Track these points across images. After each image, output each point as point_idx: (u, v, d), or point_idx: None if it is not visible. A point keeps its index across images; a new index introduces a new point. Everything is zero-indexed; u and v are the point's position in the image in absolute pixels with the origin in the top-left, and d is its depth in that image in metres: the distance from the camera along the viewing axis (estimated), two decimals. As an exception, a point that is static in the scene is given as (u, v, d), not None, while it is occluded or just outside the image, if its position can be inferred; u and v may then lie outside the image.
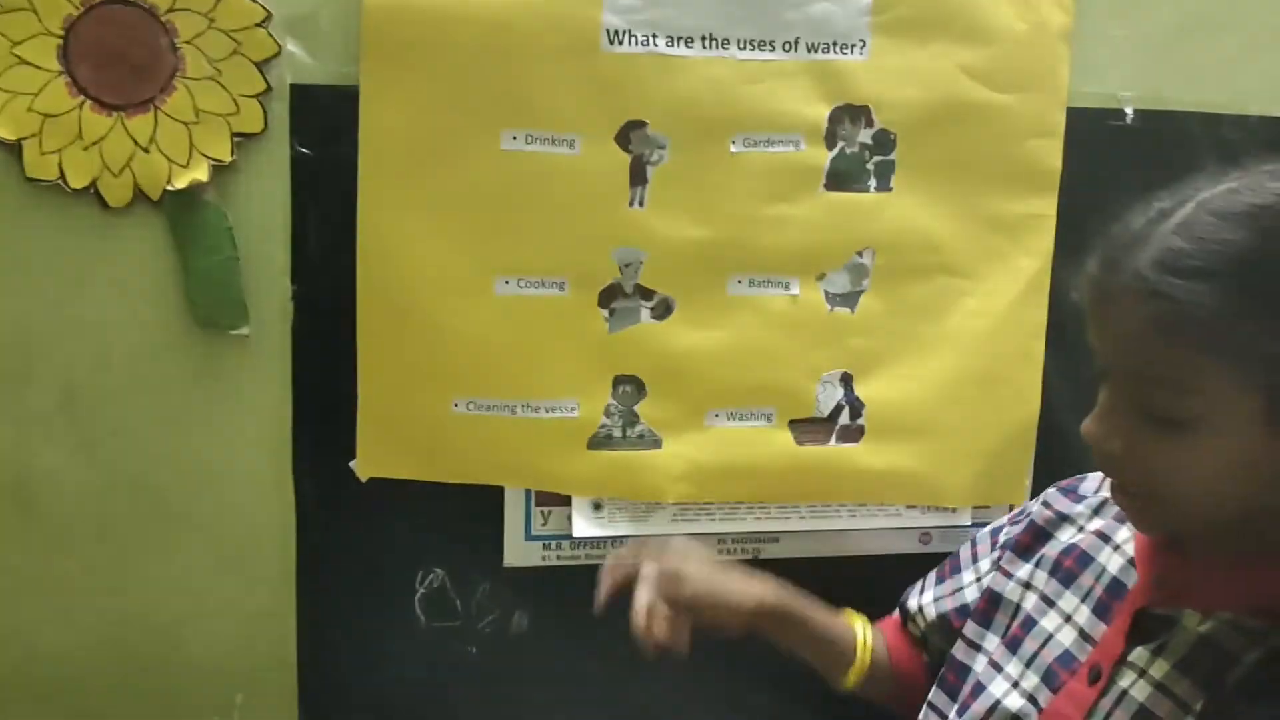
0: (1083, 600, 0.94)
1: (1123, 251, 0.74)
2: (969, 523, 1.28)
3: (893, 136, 1.19)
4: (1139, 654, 0.86)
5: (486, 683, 1.23)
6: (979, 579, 1.06)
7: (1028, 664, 0.94)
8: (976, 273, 1.23)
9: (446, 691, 1.22)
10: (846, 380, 1.22)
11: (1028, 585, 0.98)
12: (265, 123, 1.11)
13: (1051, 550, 0.98)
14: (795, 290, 1.20)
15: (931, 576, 1.12)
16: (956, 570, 1.09)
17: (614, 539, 1.22)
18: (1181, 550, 0.86)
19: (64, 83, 1.07)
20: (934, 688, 1.01)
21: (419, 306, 1.13)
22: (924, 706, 1.02)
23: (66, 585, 1.13)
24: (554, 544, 1.22)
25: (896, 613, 1.14)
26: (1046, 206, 1.24)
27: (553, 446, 1.18)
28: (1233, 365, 0.71)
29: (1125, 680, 0.86)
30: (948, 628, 1.05)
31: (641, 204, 1.15)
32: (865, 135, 1.19)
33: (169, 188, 1.09)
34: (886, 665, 1.10)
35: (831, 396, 1.22)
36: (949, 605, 1.06)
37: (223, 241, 1.11)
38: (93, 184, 1.08)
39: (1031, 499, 1.07)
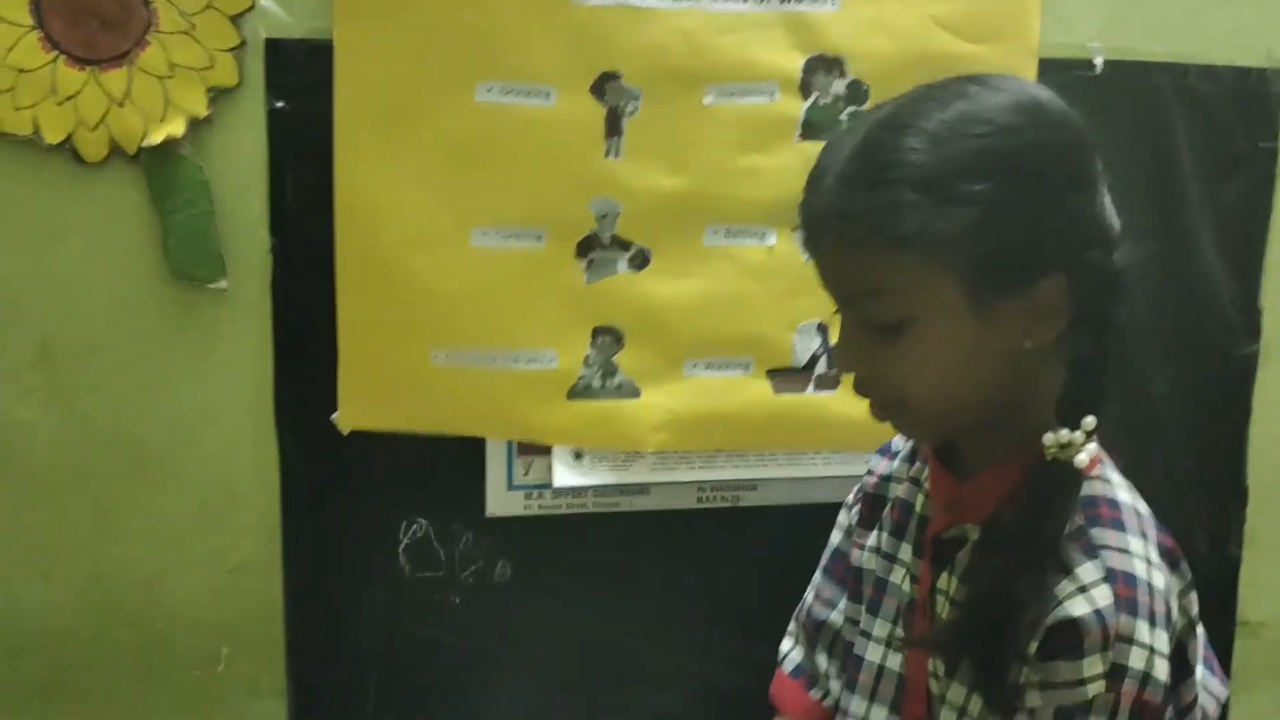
0: (911, 546, 0.98)
1: (813, 184, 0.80)
2: (944, 469, 1.30)
3: (866, 88, 1.20)
4: (942, 579, 0.91)
5: (471, 632, 1.24)
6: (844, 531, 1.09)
7: (894, 620, 0.98)
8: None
9: (432, 641, 1.23)
10: (823, 329, 1.24)
11: (877, 549, 1.01)
12: (240, 77, 1.10)
13: (886, 510, 1.02)
14: (771, 240, 1.21)
15: (817, 577, 1.13)
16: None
17: (595, 488, 1.24)
18: (959, 472, 0.91)
19: (37, 38, 1.06)
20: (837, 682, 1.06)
21: (397, 259, 1.14)
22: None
23: (45, 540, 1.13)
24: (536, 493, 1.23)
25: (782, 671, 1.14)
26: (1018, 156, 1.25)
27: (532, 397, 1.19)
28: (924, 257, 0.75)
29: (940, 606, 0.91)
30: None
31: (617, 155, 1.15)
32: (839, 86, 1.20)
33: (145, 143, 1.09)
34: None
35: (808, 345, 1.24)
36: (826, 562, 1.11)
37: (199, 196, 1.11)
38: (68, 139, 1.08)
39: None
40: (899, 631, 0.97)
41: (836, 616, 1.08)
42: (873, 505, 1.04)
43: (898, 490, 1.01)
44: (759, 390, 1.23)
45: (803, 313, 1.23)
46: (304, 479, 1.17)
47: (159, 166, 1.10)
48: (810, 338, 1.24)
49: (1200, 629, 0.92)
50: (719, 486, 1.27)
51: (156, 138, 1.08)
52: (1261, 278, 1.37)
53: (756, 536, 1.29)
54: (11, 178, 1.08)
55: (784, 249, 1.21)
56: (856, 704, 1.01)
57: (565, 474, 1.22)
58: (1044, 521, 0.82)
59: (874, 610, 1.00)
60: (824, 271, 0.82)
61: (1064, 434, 0.80)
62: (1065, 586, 0.80)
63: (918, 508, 0.98)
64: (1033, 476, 0.82)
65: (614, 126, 1.15)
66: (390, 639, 1.22)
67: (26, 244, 1.09)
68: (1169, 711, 0.89)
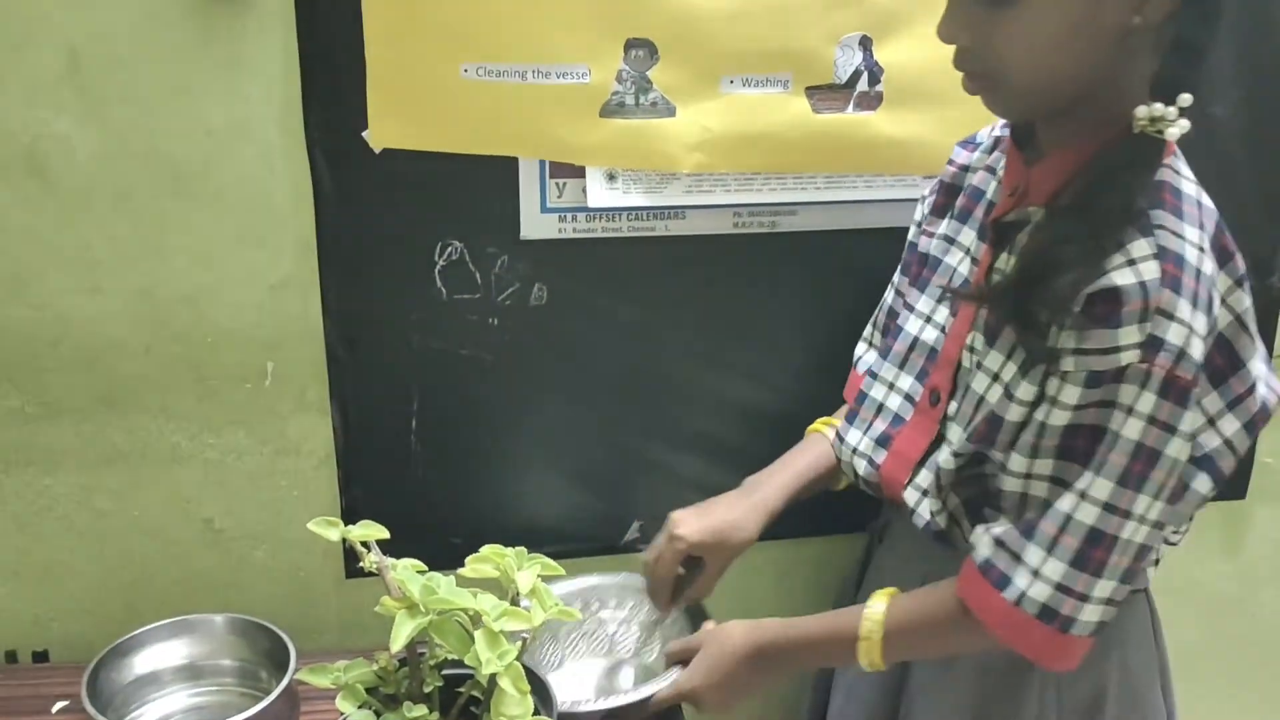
0: (975, 232, 1.02)
1: None
2: (986, 194, 1.27)
3: None
4: (1002, 259, 0.96)
5: (510, 352, 1.26)
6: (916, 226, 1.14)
7: (937, 299, 1.04)
8: None
9: (471, 360, 1.25)
10: (866, 43, 1.19)
11: (943, 236, 1.06)
12: None
13: (960, 199, 1.05)
14: (815, -55, 1.14)
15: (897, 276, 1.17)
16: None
17: (629, 211, 1.23)
18: (1031, 155, 0.94)
19: None
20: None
21: (423, -36, 1.10)
22: None
23: (90, 256, 1.15)
24: (570, 216, 1.22)
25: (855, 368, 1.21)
26: None
27: (564, 114, 1.16)
28: None
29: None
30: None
31: None
32: None
33: None
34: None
35: (850, 61, 1.19)
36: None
37: (217, -104, 1.07)
38: None
39: None
40: (942, 309, 1.02)
41: (898, 302, 1.14)
42: (948, 194, 1.08)
43: (973, 179, 1.04)
44: (798, 109, 1.20)
45: (845, 24, 1.17)
46: (337, 198, 1.17)
47: None
48: (853, 52, 1.19)
49: (1254, 331, 0.92)
50: (756, 211, 1.26)
51: None
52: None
53: (793, 263, 1.29)
54: (23, -124, 1.04)
55: (828, -45, 1.15)
56: (887, 370, 1.08)
57: (600, 194, 1.21)
58: (1110, 192, 0.84)
59: (922, 287, 1.06)
60: None
61: (1158, 107, 0.82)
62: (1115, 259, 0.82)
63: (989, 194, 1.01)
64: (1109, 151, 0.85)
65: None
66: (431, 357, 1.24)
67: (45, -51, 1.06)
68: (1219, 403, 0.90)
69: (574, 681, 1.18)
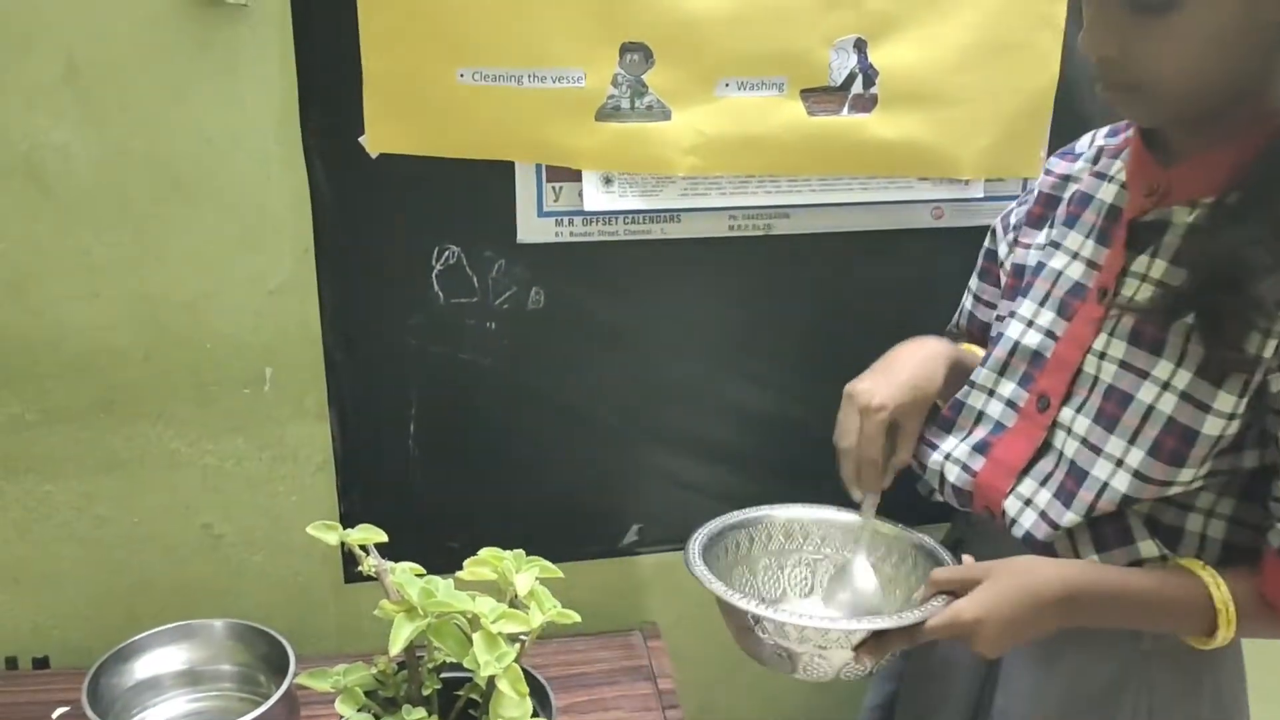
0: (1087, 236, 0.99)
1: None
2: (981, 196, 1.28)
3: None
4: (1139, 261, 0.92)
5: (508, 357, 1.26)
6: (1003, 265, 1.12)
7: (1041, 303, 1.01)
8: (995, -71, 1.18)
9: (469, 364, 1.26)
10: (860, 46, 1.19)
11: (1045, 246, 1.03)
12: None
13: (1062, 208, 1.03)
14: (808, -52, 1.15)
15: (973, 282, 1.20)
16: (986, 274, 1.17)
17: (625, 215, 1.23)
18: (1164, 157, 0.92)
19: None
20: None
21: (419, -30, 1.10)
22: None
23: (89, 262, 1.15)
24: (566, 220, 1.23)
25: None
26: None
27: (560, 118, 1.17)
28: None
29: (1129, 289, 0.92)
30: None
31: None
32: None
33: None
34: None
35: (845, 64, 1.20)
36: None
37: (213, -98, 1.07)
38: None
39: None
40: (1045, 312, 1.00)
41: (967, 301, 1.19)
42: (1046, 204, 1.06)
43: (1078, 186, 1.02)
44: (792, 111, 1.20)
45: (840, 27, 1.18)
46: (335, 203, 1.18)
47: None
48: (848, 55, 1.19)
49: None
50: (751, 213, 1.26)
51: None
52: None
53: (789, 265, 1.29)
54: (20, -115, 1.04)
55: (822, -42, 1.15)
56: (985, 376, 1.05)
57: (596, 198, 1.21)
58: None
59: (1024, 293, 1.03)
60: None
61: None
62: None
63: (1105, 198, 0.98)
64: (1274, 150, 0.83)
65: None
66: (428, 361, 1.25)
67: (42, -43, 1.07)
68: None
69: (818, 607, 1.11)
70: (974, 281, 1.19)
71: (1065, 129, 1.25)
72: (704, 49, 1.16)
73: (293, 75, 1.13)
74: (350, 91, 1.14)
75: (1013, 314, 1.04)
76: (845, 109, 1.21)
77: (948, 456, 1.06)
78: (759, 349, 1.33)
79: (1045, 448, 0.97)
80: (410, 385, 1.26)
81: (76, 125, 1.11)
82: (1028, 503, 0.97)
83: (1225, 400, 0.84)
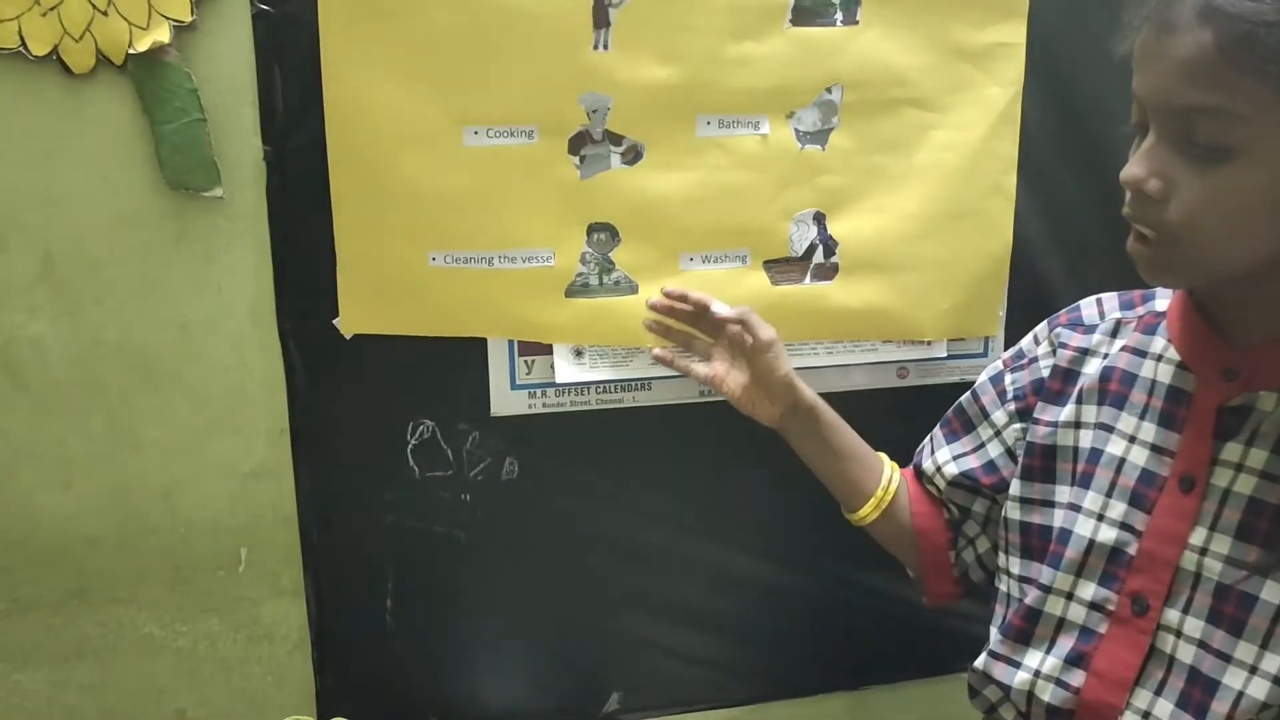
0: (1142, 417, 0.93)
1: None
2: (944, 355, 1.31)
3: (858, -31, 1.18)
4: (1231, 450, 0.86)
5: (482, 528, 1.27)
6: (998, 433, 1.05)
7: (1108, 494, 0.93)
8: (946, 105, 1.23)
9: (444, 537, 1.26)
10: (819, 219, 1.23)
11: (1078, 424, 0.96)
12: (221, -20, 1.10)
13: (1087, 383, 0.97)
14: (765, 129, 1.20)
15: (939, 434, 1.12)
16: (969, 426, 1.09)
17: (597, 385, 1.25)
18: (1224, 336, 0.87)
19: (15, -53, 1.06)
20: (1016, 559, 1.00)
21: (390, 161, 1.14)
22: (1009, 579, 1.00)
23: (62, 453, 1.16)
24: (539, 392, 1.25)
25: (911, 468, 1.15)
26: (1015, 34, 1.23)
27: (531, 296, 1.20)
28: None
29: (1223, 479, 0.86)
30: (974, 485, 1.07)
31: (606, 47, 1.14)
32: (831, -32, 1.18)
33: (131, 51, 1.08)
34: (906, 510, 1.12)
35: (805, 235, 1.24)
36: (973, 463, 1.07)
37: (189, 103, 1.11)
38: (54, 50, 1.07)
39: (1024, 339, 1.07)
40: (1116, 504, 0.92)
41: (931, 467, 1.10)
42: (1065, 379, 0.99)
43: (1108, 362, 0.96)
44: (756, 281, 1.24)
45: (799, 202, 1.22)
46: (309, 385, 1.19)
47: (147, 75, 1.09)
48: (807, 227, 1.23)
49: None
50: (720, 379, 1.28)
51: (142, 45, 1.08)
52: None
53: (760, 429, 1.31)
54: (1, 92, 1.08)
55: (778, 137, 1.20)
56: (1061, 580, 0.94)
57: (567, 370, 1.23)
58: None
59: (1084, 484, 0.95)
60: (1159, 76, 0.77)
61: None
62: None
63: (1159, 378, 0.92)
64: None
65: (601, 17, 1.13)
66: (404, 536, 1.25)
67: (21, 159, 1.09)
68: None
69: None
70: (939, 434, 1.12)
71: (1022, 290, 1.30)
72: (667, 227, 1.20)
73: (268, 262, 1.16)
74: (324, 275, 1.17)
75: (1076, 507, 0.95)
76: (808, 278, 1.25)
77: (1038, 675, 0.94)
78: (734, 513, 1.34)
79: (1152, 653, 0.89)
80: (387, 560, 1.25)
81: (52, 319, 1.13)
82: (1146, 716, 0.89)
83: None
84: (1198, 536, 0.86)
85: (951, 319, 1.29)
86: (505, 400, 1.24)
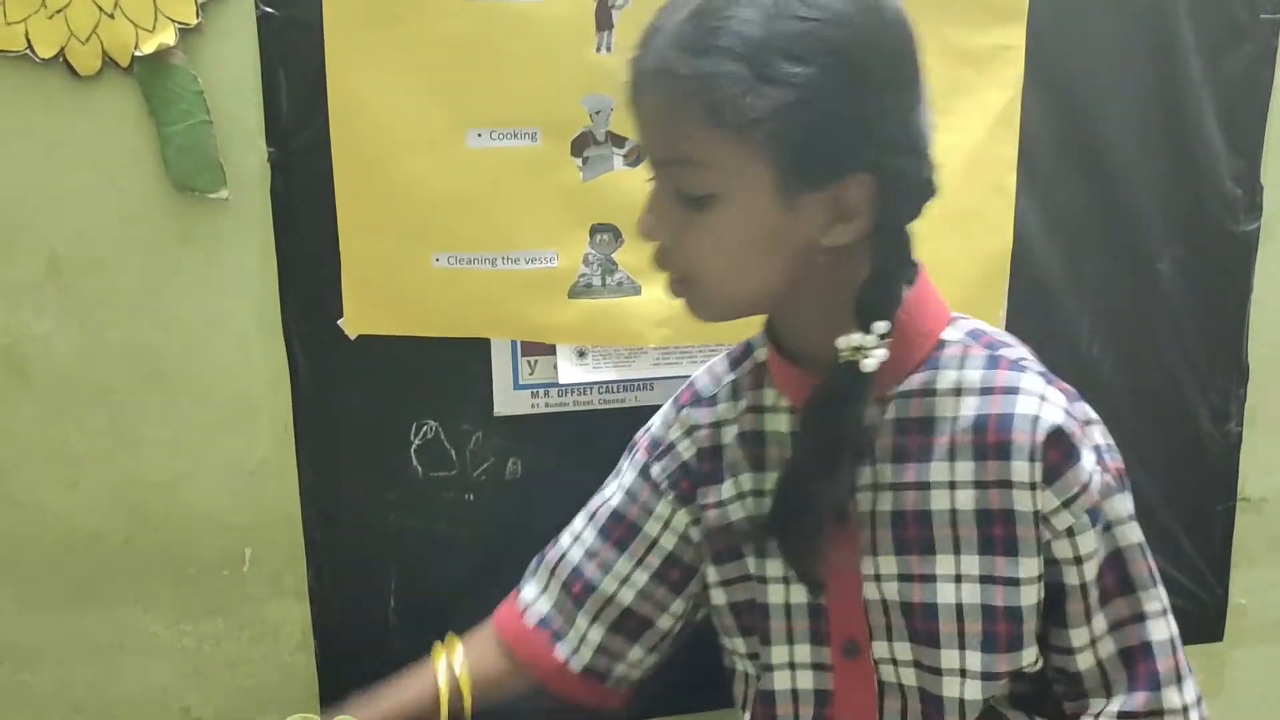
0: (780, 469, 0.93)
1: (646, 40, 0.79)
2: (945, 355, 1.31)
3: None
4: (862, 475, 0.88)
5: (486, 528, 1.27)
6: (666, 524, 1.02)
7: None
8: (945, 107, 1.23)
9: (448, 538, 1.27)
10: (820, 220, 1.24)
11: (740, 495, 0.96)
12: (227, -18, 1.11)
13: (730, 455, 0.97)
14: (766, 131, 1.21)
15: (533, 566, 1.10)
16: (633, 532, 1.04)
17: (600, 385, 1.26)
18: (804, 366, 0.89)
19: (22, -50, 1.07)
20: (740, 639, 0.98)
21: (394, 163, 1.15)
22: (740, 658, 1.00)
23: (68, 449, 1.17)
24: (542, 392, 1.25)
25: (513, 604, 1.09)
26: (1015, 37, 1.24)
27: (534, 297, 1.20)
28: (740, 137, 0.75)
29: (865, 504, 0.88)
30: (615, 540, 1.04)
31: (609, 49, 1.15)
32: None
33: (137, 53, 1.09)
34: (506, 671, 1.05)
35: (806, 236, 1.24)
36: (605, 522, 1.06)
37: (195, 105, 1.11)
38: (61, 53, 1.08)
39: (654, 423, 1.06)
40: (774, 564, 0.93)
41: (611, 584, 1.03)
42: (713, 458, 0.98)
43: (737, 429, 0.96)
44: (758, 282, 1.24)
45: (800, 203, 1.23)
46: (314, 384, 1.20)
47: (153, 77, 1.10)
48: (808, 228, 1.24)
49: None
50: (722, 379, 1.29)
51: (148, 47, 1.09)
52: (1263, 153, 1.35)
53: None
54: (9, 95, 1.09)
55: (780, 140, 1.21)
56: (776, 653, 0.94)
57: (570, 371, 1.24)
58: (836, 423, 0.82)
59: (762, 554, 0.94)
60: (643, 133, 0.82)
61: (856, 337, 0.80)
62: (1025, 402, 0.82)
63: (781, 428, 0.93)
64: (827, 377, 0.83)
65: (604, 19, 1.14)
66: (407, 537, 1.25)
67: (28, 161, 1.10)
68: None
69: None
70: (589, 536, 1.06)
71: (1022, 290, 1.31)
72: (671, 227, 1.21)
73: (273, 263, 1.17)
74: (329, 276, 1.17)
75: (762, 579, 0.94)
76: (809, 278, 1.25)
77: None
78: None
79: (884, 689, 0.90)
80: (390, 560, 1.26)
81: (58, 318, 1.14)
82: None
83: (1030, 565, 0.83)
84: (868, 566, 0.88)
85: (952, 320, 1.29)
86: (508, 401, 1.25)
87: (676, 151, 0.78)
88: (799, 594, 0.92)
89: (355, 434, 1.23)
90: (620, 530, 1.04)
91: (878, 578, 0.88)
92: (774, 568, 0.93)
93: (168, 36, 1.09)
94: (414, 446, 1.24)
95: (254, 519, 1.22)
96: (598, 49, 1.15)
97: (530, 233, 1.19)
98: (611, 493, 1.06)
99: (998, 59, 1.24)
